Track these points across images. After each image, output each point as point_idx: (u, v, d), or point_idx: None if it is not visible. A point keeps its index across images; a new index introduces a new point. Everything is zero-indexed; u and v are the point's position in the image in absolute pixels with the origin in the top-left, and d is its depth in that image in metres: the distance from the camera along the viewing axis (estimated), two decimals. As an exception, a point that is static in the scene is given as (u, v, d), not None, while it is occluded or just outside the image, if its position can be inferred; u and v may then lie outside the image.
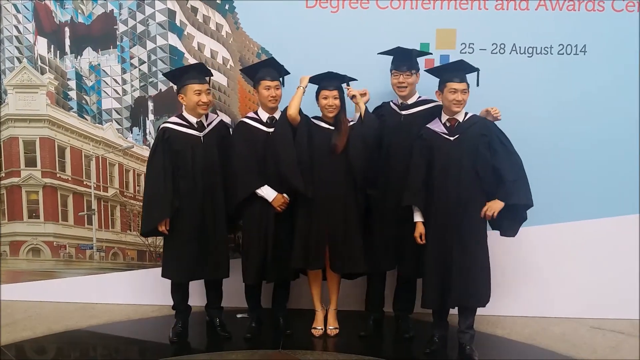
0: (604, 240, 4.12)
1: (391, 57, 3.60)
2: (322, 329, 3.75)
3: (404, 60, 3.54)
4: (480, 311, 3.46)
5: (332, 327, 3.75)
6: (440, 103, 3.45)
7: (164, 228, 3.54)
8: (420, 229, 3.37)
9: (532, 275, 4.14)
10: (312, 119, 3.63)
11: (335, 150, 3.49)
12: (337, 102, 3.50)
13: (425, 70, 3.55)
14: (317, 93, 3.57)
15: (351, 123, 3.58)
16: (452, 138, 3.32)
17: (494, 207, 3.24)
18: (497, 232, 3.47)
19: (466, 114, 3.38)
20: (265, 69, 3.64)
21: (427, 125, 3.43)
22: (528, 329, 3.93)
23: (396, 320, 3.89)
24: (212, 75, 3.82)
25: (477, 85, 3.37)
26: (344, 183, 3.53)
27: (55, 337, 3.85)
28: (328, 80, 3.52)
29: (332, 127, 3.56)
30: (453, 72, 3.34)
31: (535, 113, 4.02)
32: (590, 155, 4.07)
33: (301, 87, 3.54)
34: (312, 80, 3.57)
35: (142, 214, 3.68)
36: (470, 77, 3.37)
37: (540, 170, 3.80)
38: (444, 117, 3.38)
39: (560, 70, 4.03)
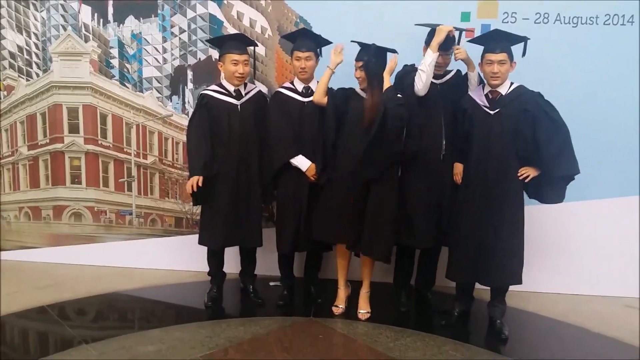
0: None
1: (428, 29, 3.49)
2: (343, 307, 3.66)
3: (446, 43, 3.38)
4: (512, 287, 3.41)
5: (364, 311, 3.61)
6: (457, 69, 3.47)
7: (193, 183, 3.45)
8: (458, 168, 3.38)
9: (566, 252, 4.05)
10: (352, 90, 3.54)
11: (364, 124, 3.37)
12: (363, 74, 3.38)
13: (467, 41, 3.45)
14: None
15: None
16: (492, 112, 3.22)
17: (529, 172, 3.17)
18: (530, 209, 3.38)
19: (511, 84, 3.26)
20: (297, 40, 3.60)
21: (470, 93, 3.35)
22: (560, 306, 3.86)
23: (421, 294, 3.90)
24: (257, 45, 3.81)
25: (523, 55, 3.25)
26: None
27: (95, 299, 3.98)
28: (358, 52, 3.42)
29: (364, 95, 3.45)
30: (489, 42, 3.23)
31: (578, 84, 3.88)
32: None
33: (330, 69, 3.45)
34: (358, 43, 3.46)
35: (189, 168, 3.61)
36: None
37: (586, 141, 3.66)
38: (487, 88, 3.28)
39: (606, 40, 3.87)
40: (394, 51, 3.45)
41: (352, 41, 3.39)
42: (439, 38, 3.30)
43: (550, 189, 3.25)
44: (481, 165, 3.23)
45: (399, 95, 3.34)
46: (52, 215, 4.79)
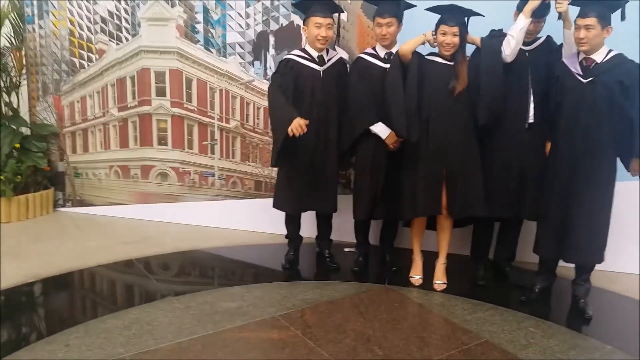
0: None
1: None
2: (420, 277, 3.64)
3: (540, 10, 3.24)
4: (598, 266, 3.28)
5: (440, 282, 3.57)
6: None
7: (301, 122, 3.30)
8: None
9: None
10: (427, 57, 3.44)
11: (453, 92, 3.31)
12: (456, 40, 3.27)
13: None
14: (436, 27, 3.34)
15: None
16: (585, 81, 3.06)
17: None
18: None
19: (609, 51, 3.06)
20: (379, 5, 3.53)
21: (563, 59, 3.19)
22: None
23: (500, 268, 3.82)
24: (343, 12, 3.77)
25: (622, 19, 3.02)
26: (462, 125, 3.37)
27: (179, 255, 4.18)
28: (449, 14, 3.29)
29: (451, 63, 3.36)
30: (580, 6, 3.04)
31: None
32: None
33: (423, 35, 3.35)
34: (433, 10, 3.36)
35: (274, 136, 3.62)
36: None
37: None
38: (582, 55, 3.10)
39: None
40: (479, 14, 3.34)
41: (452, 5, 3.30)
42: (534, 3, 3.15)
43: None
44: (570, 137, 3.09)
45: None
46: (140, 175, 5.03)
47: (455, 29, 3.25)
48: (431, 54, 3.46)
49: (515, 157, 3.42)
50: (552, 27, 3.36)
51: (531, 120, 3.39)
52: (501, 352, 2.76)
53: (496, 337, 2.92)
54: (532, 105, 3.38)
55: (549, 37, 3.44)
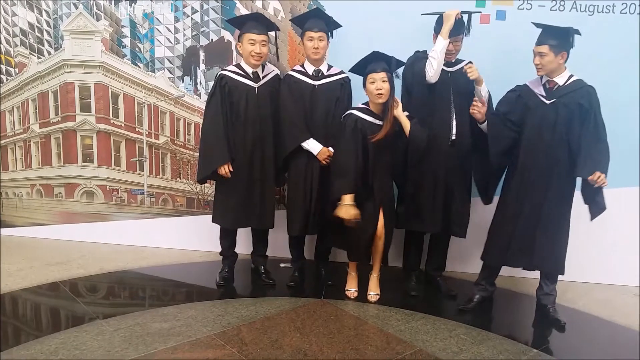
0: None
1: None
2: (355, 290, 3.68)
3: (456, 29, 3.38)
4: (523, 274, 3.45)
5: (374, 293, 3.64)
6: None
7: (226, 170, 3.55)
8: None
9: (574, 241, 4.06)
10: (357, 113, 3.44)
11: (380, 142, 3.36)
12: (387, 86, 3.29)
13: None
14: (364, 78, 3.38)
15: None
16: (548, 102, 3.24)
17: (603, 177, 3.11)
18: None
19: (570, 76, 3.26)
20: (309, 20, 3.59)
21: (527, 83, 3.36)
22: (570, 293, 3.89)
23: (431, 278, 3.93)
24: (278, 30, 3.79)
25: (570, 47, 3.20)
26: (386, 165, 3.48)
27: (107, 277, 4.02)
28: (376, 63, 3.31)
29: (381, 123, 3.39)
30: (540, 34, 3.22)
31: (593, 73, 3.86)
32: None
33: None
34: (355, 68, 3.42)
35: (200, 160, 3.67)
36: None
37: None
38: (545, 78, 3.29)
39: (622, 29, 3.85)
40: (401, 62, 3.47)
41: (375, 52, 3.36)
42: (448, 24, 3.31)
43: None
44: (532, 153, 3.25)
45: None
46: (64, 193, 4.82)
47: (384, 75, 3.29)
48: (360, 109, 3.46)
49: (441, 173, 3.55)
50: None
51: (454, 137, 3.53)
52: (434, 360, 2.84)
53: (429, 346, 2.99)
54: (454, 123, 3.52)
55: (470, 63, 3.56)
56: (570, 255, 3.39)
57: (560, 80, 3.25)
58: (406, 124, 3.35)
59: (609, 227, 4.02)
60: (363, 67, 3.37)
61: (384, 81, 3.28)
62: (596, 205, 3.27)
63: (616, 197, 3.78)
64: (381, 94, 3.29)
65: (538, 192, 3.26)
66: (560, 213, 3.29)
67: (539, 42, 3.19)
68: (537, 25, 3.22)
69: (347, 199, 3.31)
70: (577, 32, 3.17)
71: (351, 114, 3.44)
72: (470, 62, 3.49)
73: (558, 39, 3.16)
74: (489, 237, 3.49)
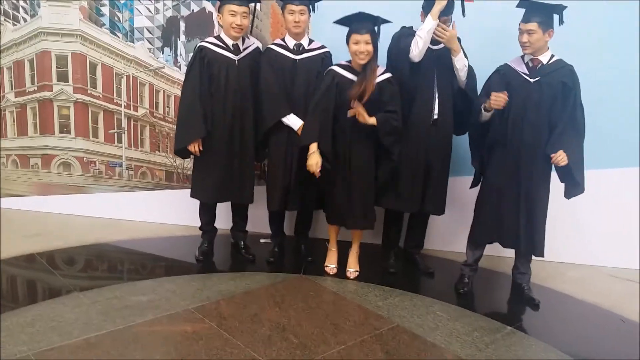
0: (627, 190, 4.08)
1: None
2: (335, 267, 3.70)
3: (446, 9, 3.31)
4: (498, 252, 3.49)
5: (353, 270, 3.66)
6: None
7: (197, 148, 3.55)
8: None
9: (551, 221, 4.14)
10: (337, 70, 3.42)
11: (350, 98, 3.31)
12: (370, 47, 3.25)
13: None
14: (348, 37, 3.33)
15: (384, 75, 3.39)
16: (532, 80, 3.24)
17: (564, 158, 3.13)
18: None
19: (552, 56, 3.26)
20: None
21: (508, 62, 3.34)
22: (544, 272, 3.94)
23: (410, 255, 3.97)
24: (259, 1, 3.72)
25: (560, 23, 3.20)
26: (364, 131, 3.39)
27: (85, 249, 4.00)
28: (359, 23, 3.28)
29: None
30: (524, 12, 3.19)
31: (581, 53, 3.87)
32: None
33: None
34: (341, 21, 3.34)
35: (176, 132, 3.67)
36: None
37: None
38: (527, 57, 3.28)
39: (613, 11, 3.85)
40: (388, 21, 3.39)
41: (360, 13, 3.29)
42: (440, 4, 3.25)
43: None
44: (516, 131, 3.25)
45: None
46: (40, 164, 4.74)
47: (367, 37, 3.25)
48: (342, 65, 3.45)
49: (421, 152, 3.54)
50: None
51: (436, 116, 3.51)
52: (411, 336, 2.88)
53: (406, 322, 3.04)
54: (437, 102, 3.50)
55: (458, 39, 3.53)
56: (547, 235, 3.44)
57: (544, 58, 3.25)
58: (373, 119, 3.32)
59: (584, 208, 4.09)
60: (347, 23, 3.32)
61: (367, 43, 3.25)
62: (573, 185, 3.31)
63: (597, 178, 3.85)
64: (364, 56, 3.27)
65: (522, 170, 3.26)
66: (542, 192, 3.31)
67: (527, 20, 3.16)
68: (524, 3, 3.20)
69: (312, 147, 3.33)
70: (565, 8, 3.16)
71: (331, 69, 3.44)
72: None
73: (546, 16, 3.15)
74: (475, 217, 3.50)
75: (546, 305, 3.42)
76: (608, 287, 3.84)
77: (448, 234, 4.13)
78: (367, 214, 3.52)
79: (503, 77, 3.32)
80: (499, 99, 3.15)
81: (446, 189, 3.68)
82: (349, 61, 3.42)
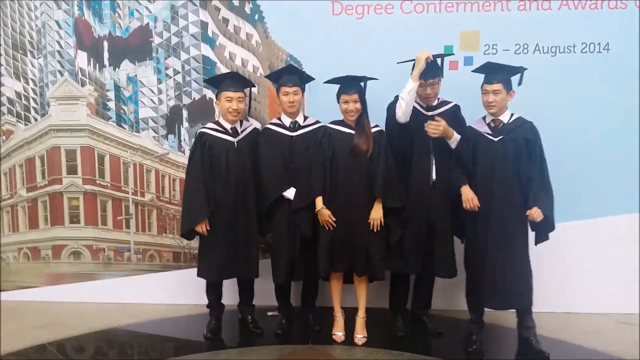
0: (629, 237, 4.15)
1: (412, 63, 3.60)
2: (343, 334, 3.72)
3: (430, 72, 3.52)
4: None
5: (360, 336, 3.67)
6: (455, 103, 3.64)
7: (204, 228, 3.65)
8: (468, 194, 3.38)
9: (557, 271, 4.17)
10: (330, 125, 3.66)
11: (357, 150, 3.49)
12: (358, 105, 3.51)
13: (472, 71, 3.56)
14: (338, 97, 3.58)
15: (375, 128, 3.59)
16: (496, 139, 3.38)
17: (539, 214, 3.26)
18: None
19: (512, 115, 3.42)
20: (283, 76, 3.76)
21: (471, 125, 3.50)
22: (552, 324, 3.92)
23: (417, 318, 3.96)
24: (254, 86, 3.96)
25: (519, 84, 3.42)
26: (366, 186, 3.52)
27: (95, 335, 4.00)
28: (347, 84, 3.54)
29: (353, 132, 3.56)
30: (486, 74, 3.41)
31: (559, 112, 4.07)
32: (618, 153, 4.11)
33: None
34: (331, 82, 3.59)
35: (182, 216, 3.79)
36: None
37: (565, 167, 3.86)
38: (489, 118, 3.44)
39: (583, 68, 4.08)
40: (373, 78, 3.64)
41: (348, 76, 3.54)
42: (418, 67, 3.44)
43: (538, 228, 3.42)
44: (486, 190, 3.35)
45: None
46: (51, 255, 4.84)
47: (355, 96, 3.49)
48: (335, 122, 3.66)
49: (423, 215, 3.62)
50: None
51: (434, 179, 3.61)
52: (423, 397, 2.85)
53: (418, 384, 3.01)
54: (434, 166, 3.61)
55: (456, 106, 3.73)
56: (548, 286, 3.45)
57: (505, 118, 3.41)
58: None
59: (592, 256, 4.13)
60: (337, 83, 3.57)
61: (355, 101, 3.49)
62: (542, 234, 3.41)
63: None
64: (353, 113, 3.50)
65: (500, 226, 3.33)
66: (523, 246, 3.37)
67: (490, 81, 3.35)
68: (490, 64, 3.41)
69: (318, 202, 3.48)
70: (526, 69, 3.40)
71: (323, 125, 3.68)
72: (439, 115, 3.61)
73: (509, 76, 3.36)
74: (467, 278, 3.55)
75: (557, 357, 3.37)
76: (618, 334, 3.81)
77: (454, 292, 4.13)
78: (372, 263, 3.54)
79: (469, 140, 3.46)
80: (471, 204, 3.34)
81: (453, 250, 3.70)
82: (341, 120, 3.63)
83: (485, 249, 3.37)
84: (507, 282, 3.32)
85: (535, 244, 3.45)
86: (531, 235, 3.45)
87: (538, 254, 3.62)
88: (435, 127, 3.48)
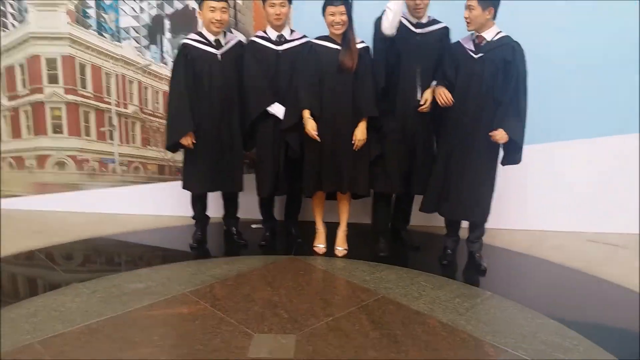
0: (606, 158, 4.27)
1: None
2: (324, 247, 3.85)
3: None
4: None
5: (341, 248, 3.81)
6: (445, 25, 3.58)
7: (189, 141, 3.65)
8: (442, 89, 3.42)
9: (533, 191, 4.29)
10: (315, 40, 3.60)
11: (343, 67, 3.47)
12: (345, 17, 3.43)
13: None
14: (323, 10, 3.49)
15: (360, 44, 3.54)
16: (475, 56, 3.36)
17: (503, 136, 3.29)
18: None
19: (499, 32, 3.36)
20: None
21: (460, 40, 3.48)
22: (526, 242, 4.10)
23: (397, 232, 4.10)
24: None
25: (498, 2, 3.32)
26: (351, 104, 3.53)
27: (82, 244, 4.11)
28: None
29: (339, 47, 3.52)
30: None
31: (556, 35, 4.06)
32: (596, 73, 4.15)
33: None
34: None
35: (167, 129, 3.76)
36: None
37: (547, 87, 3.92)
38: (475, 34, 3.41)
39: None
40: None
41: None
42: None
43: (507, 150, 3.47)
44: (460, 105, 3.38)
45: None
46: (35, 165, 4.86)
47: (342, 8, 3.41)
48: (320, 37, 3.60)
49: (407, 136, 3.64)
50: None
51: (419, 100, 3.59)
52: (396, 305, 3.03)
53: (392, 293, 3.19)
54: (419, 88, 3.58)
55: (445, 28, 3.64)
56: (525, 205, 3.57)
57: (488, 35, 3.36)
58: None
59: (564, 177, 4.26)
60: None
61: (342, 13, 3.42)
62: (511, 156, 3.45)
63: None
64: (339, 26, 3.45)
65: (467, 141, 3.39)
66: (487, 163, 3.44)
67: None
68: None
69: (305, 114, 3.51)
70: None
71: (308, 41, 3.63)
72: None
73: None
74: (427, 187, 3.64)
75: (526, 271, 3.58)
76: (586, 251, 4.01)
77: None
78: (357, 179, 3.62)
79: (453, 54, 3.45)
80: (444, 98, 3.36)
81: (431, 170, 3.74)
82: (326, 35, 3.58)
83: (449, 159, 3.46)
84: (463, 193, 3.42)
85: (502, 164, 3.50)
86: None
87: (519, 173, 3.73)
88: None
